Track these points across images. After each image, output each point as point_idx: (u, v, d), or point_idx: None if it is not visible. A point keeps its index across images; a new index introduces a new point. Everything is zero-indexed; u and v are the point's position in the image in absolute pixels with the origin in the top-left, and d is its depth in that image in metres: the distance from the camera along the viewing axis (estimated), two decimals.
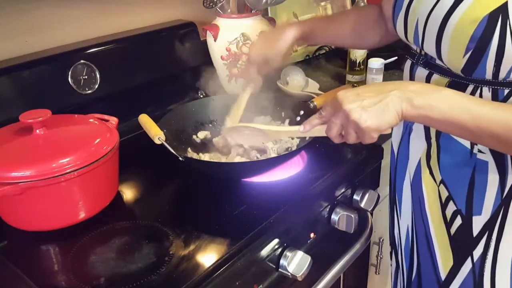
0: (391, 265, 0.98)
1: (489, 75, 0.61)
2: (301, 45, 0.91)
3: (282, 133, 0.84)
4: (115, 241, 0.74)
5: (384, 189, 1.13)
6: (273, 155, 0.93)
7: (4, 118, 0.86)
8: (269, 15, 1.42)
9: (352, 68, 1.34)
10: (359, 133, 0.63)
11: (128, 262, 0.69)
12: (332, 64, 1.54)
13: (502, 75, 0.61)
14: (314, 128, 0.70)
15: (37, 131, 0.76)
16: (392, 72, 1.38)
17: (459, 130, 0.61)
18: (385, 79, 1.30)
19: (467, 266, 0.74)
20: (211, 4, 1.13)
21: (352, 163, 0.95)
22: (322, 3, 1.58)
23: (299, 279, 0.76)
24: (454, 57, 0.63)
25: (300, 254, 0.78)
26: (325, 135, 0.69)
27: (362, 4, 1.34)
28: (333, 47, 1.61)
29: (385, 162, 1.03)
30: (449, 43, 0.63)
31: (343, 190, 0.92)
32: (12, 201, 0.71)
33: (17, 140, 0.76)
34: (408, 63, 0.77)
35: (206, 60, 1.22)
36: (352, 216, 0.89)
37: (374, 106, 0.60)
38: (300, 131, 0.72)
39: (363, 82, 1.32)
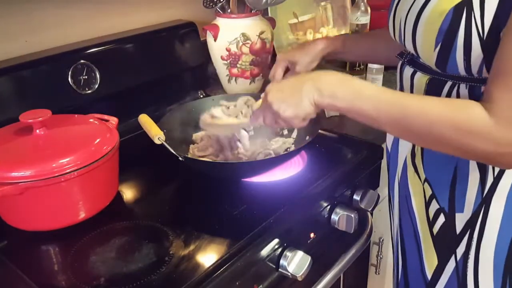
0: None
1: (462, 70, 0.63)
2: (332, 58, 0.99)
3: (240, 125, 0.92)
4: (115, 241, 0.74)
5: (384, 189, 1.13)
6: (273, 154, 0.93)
7: (4, 118, 0.86)
8: (269, 15, 1.42)
9: (352, 68, 1.34)
10: (284, 121, 0.71)
11: (128, 262, 0.69)
12: (332, 64, 1.53)
13: (474, 69, 0.61)
14: (259, 119, 0.78)
15: (37, 131, 0.76)
16: (392, 72, 1.38)
17: (363, 117, 0.65)
18: (385, 79, 1.30)
19: (451, 265, 0.75)
20: (211, 4, 1.13)
21: (352, 163, 0.95)
22: (322, 3, 1.58)
23: (299, 279, 0.76)
24: (427, 51, 0.65)
25: (300, 254, 0.78)
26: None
27: (362, 4, 1.34)
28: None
29: (385, 162, 1.03)
30: (422, 37, 0.65)
31: (343, 190, 0.92)
32: (12, 201, 0.71)
33: (17, 140, 0.76)
34: (399, 63, 0.78)
35: (206, 60, 1.22)
36: (352, 216, 0.89)
37: (290, 98, 0.68)
38: (249, 123, 0.85)
39: None
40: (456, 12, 0.59)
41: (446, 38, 0.61)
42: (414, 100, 0.62)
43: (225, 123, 0.92)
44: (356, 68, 1.34)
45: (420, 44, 0.66)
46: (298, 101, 0.67)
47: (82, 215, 0.77)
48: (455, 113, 0.58)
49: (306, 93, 0.66)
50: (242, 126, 0.91)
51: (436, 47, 0.63)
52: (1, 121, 0.84)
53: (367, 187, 0.98)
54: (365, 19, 1.34)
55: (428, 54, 0.65)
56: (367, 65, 1.28)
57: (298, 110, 0.68)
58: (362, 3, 1.34)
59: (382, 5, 1.46)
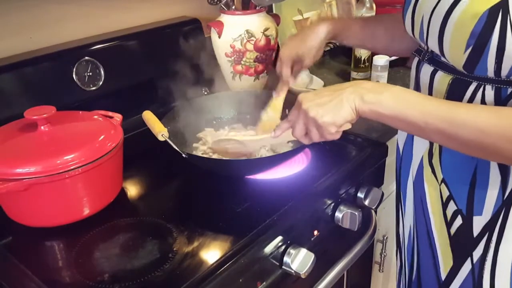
0: (396, 264, 0.97)
1: (491, 72, 0.61)
2: (332, 41, 0.94)
3: (258, 141, 0.89)
4: (119, 237, 0.74)
5: (388, 187, 1.13)
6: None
7: (8, 114, 0.86)
8: (274, 11, 1.41)
9: (357, 65, 1.34)
10: (319, 130, 0.68)
11: (132, 259, 0.69)
12: (336, 61, 1.53)
13: (504, 72, 0.60)
14: (284, 132, 0.76)
15: (42, 127, 0.76)
16: (397, 69, 1.38)
17: (408, 126, 0.63)
18: (390, 76, 1.30)
19: (466, 267, 0.74)
20: (216, 0, 1.13)
21: (356, 160, 0.95)
22: (327, 0, 1.57)
23: (303, 276, 0.76)
24: (455, 53, 0.63)
25: (303, 251, 0.77)
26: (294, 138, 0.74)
27: (367, 0, 1.33)
28: (338, 44, 1.61)
29: (390, 160, 1.03)
30: (450, 39, 0.63)
31: (347, 188, 0.92)
32: (16, 197, 0.72)
33: (22, 137, 0.76)
34: (415, 61, 0.76)
35: (210, 57, 1.22)
36: (356, 213, 0.89)
37: (329, 103, 0.66)
38: (272, 137, 0.78)
39: (368, 79, 1.32)
40: (491, 15, 0.57)
41: (479, 41, 0.59)
42: (462, 109, 0.60)
43: (243, 139, 0.90)
44: (361, 65, 1.33)
45: (448, 46, 0.63)
46: (338, 106, 0.65)
47: (86, 212, 0.77)
48: (504, 122, 0.57)
49: (347, 99, 0.65)
50: (263, 142, 0.88)
51: (466, 50, 0.61)
52: (5, 118, 0.84)
53: (371, 185, 0.98)
54: (370, 16, 1.34)
55: (457, 56, 0.63)
56: (371, 62, 1.28)
57: (338, 116, 0.65)
58: (367, 0, 1.33)
59: (387, 2, 1.45)
